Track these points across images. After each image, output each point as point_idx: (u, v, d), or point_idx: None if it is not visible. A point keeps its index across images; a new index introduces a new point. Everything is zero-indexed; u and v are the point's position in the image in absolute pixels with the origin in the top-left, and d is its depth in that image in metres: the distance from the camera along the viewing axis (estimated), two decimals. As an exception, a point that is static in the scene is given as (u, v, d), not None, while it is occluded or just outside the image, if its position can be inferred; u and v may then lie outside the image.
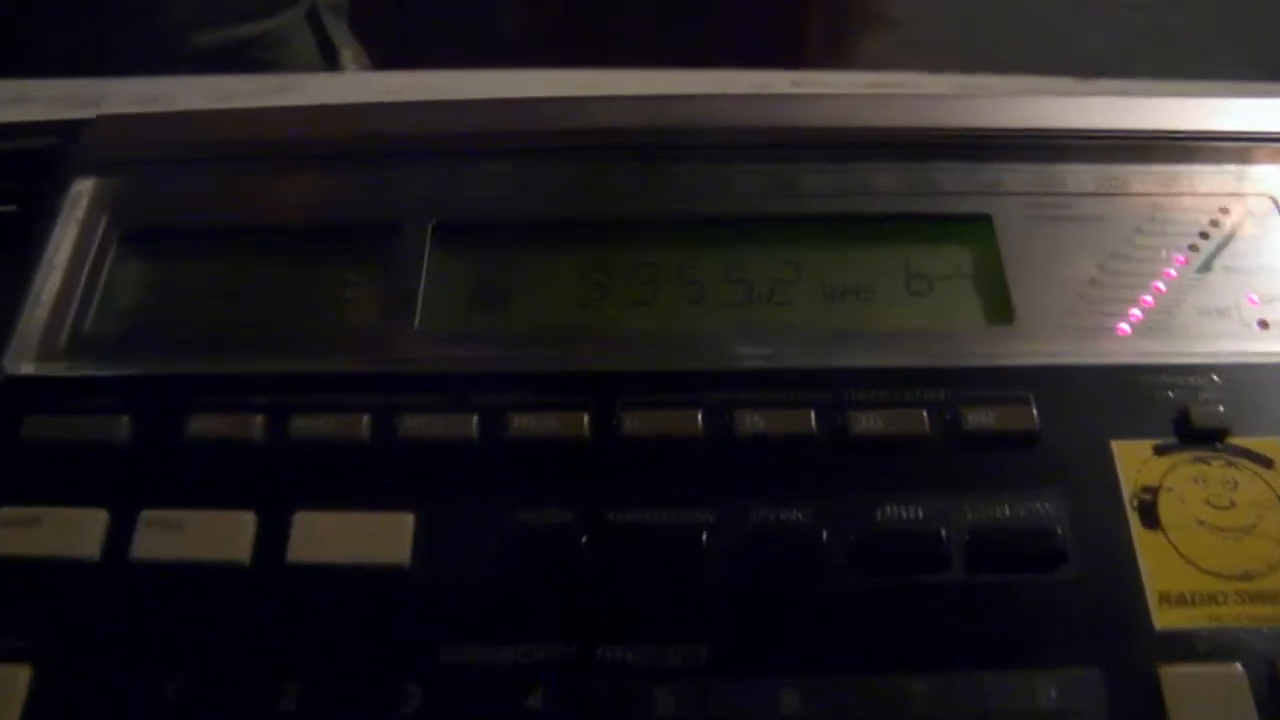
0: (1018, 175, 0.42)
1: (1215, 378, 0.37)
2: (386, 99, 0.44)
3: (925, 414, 0.36)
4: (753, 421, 0.36)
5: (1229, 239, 0.41)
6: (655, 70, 0.57)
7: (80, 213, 0.44)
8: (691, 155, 0.43)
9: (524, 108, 0.44)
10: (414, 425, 0.37)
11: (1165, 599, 0.33)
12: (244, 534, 0.35)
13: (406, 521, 0.35)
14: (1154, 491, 0.35)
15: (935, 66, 0.63)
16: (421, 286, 0.41)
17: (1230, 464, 0.36)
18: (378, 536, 0.35)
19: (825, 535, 0.34)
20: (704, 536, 0.34)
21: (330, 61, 0.98)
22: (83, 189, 0.44)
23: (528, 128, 0.43)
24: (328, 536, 0.35)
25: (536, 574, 0.34)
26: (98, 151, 0.45)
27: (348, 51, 0.99)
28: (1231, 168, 0.43)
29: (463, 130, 0.44)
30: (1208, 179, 0.42)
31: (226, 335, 0.41)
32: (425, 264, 0.41)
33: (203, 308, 0.42)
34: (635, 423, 0.37)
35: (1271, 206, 0.42)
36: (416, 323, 0.40)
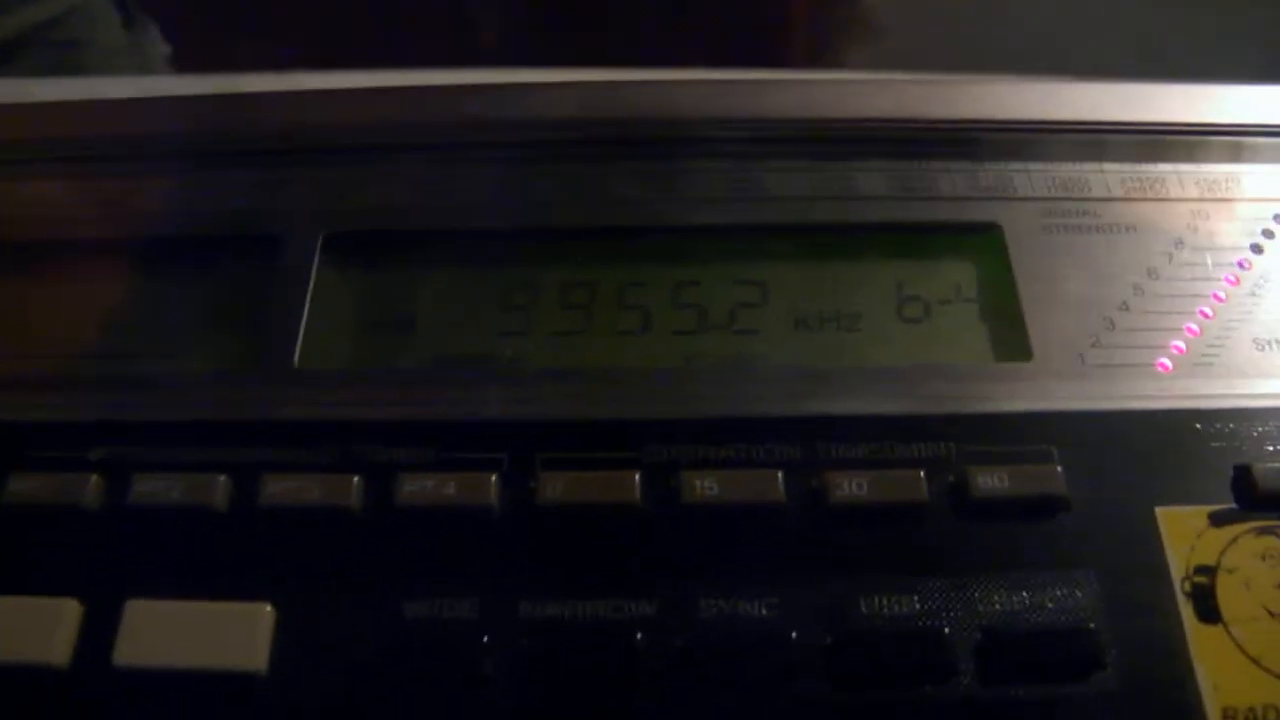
0: (1032, 176, 0.36)
1: None
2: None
3: (922, 475, 0.30)
4: (704, 486, 0.30)
5: None
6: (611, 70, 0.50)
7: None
8: (634, 153, 0.37)
9: (434, 98, 0.37)
10: (279, 490, 0.31)
11: (1230, 716, 0.28)
12: (64, 628, 0.30)
13: (264, 615, 0.29)
14: (1211, 573, 0.29)
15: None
16: (305, 313, 0.35)
17: (1306, 537, 0.30)
18: (228, 634, 0.29)
19: (795, 634, 0.28)
20: (639, 635, 0.28)
21: (136, 42, 0.95)
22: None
23: (438, 121, 0.37)
24: (165, 633, 0.29)
25: (427, 685, 0.28)
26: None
27: (154, 32, 0.96)
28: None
29: (359, 124, 0.37)
30: (1261, 180, 0.37)
31: (64, 372, 0.35)
32: (311, 285, 0.35)
33: (39, 338, 0.35)
34: (556, 488, 0.30)
35: (1338, 212, 0.36)
36: (296, 358, 0.34)
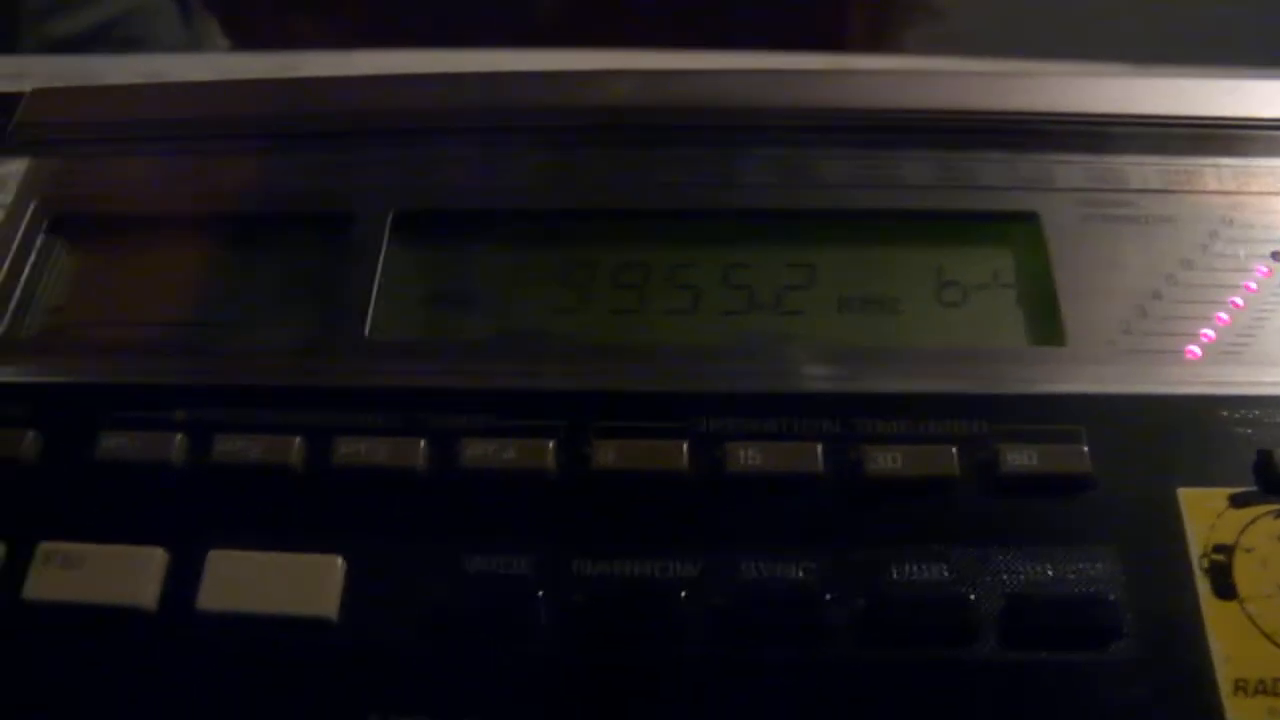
0: (1071, 168, 0.37)
1: None
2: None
3: (955, 451, 0.31)
4: (748, 457, 0.31)
5: None
6: (666, 51, 0.51)
7: (7, 196, 0.40)
8: (689, 139, 0.38)
9: (497, 83, 0.39)
10: (351, 451, 0.32)
11: (1241, 687, 0.28)
12: (152, 574, 0.31)
13: (335, 566, 0.31)
14: (1229, 552, 0.30)
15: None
16: (375, 286, 0.36)
17: (1323, 519, 0.31)
18: (302, 583, 0.31)
19: (829, 596, 0.30)
20: (683, 593, 0.30)
21: (195, 39, 0.95)
22: (10, 170, 0.40)
23: (501, 105, 0.38)
24: (244, 581, 0.31)
25: (484, 634, 0.30)
26: (28, 129, 0.41)
27: (214, 28, 0.96)
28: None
29: (427, 108, 0.38)
30: None
31: (151, 339, 0.36)
32: (381, 260, 0.36)
33: (127, 306, 0.37)
34: (609, 454, 0.32)
35: (1373, 207, 0.36)
36: (367, 329, 0.35)
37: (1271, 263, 0.35)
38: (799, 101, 0.38)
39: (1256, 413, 0.32)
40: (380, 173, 0.38)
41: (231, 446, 0.33)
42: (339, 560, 0.31)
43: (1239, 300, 0.35)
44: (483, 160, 0.38)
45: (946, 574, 0.30)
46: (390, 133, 0.38)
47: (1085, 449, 0.31)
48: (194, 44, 0.95)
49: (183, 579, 0.31)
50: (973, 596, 0.29)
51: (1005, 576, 0.30)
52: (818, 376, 0.33)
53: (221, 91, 0.41)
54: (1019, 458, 0.31)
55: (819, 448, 0.31)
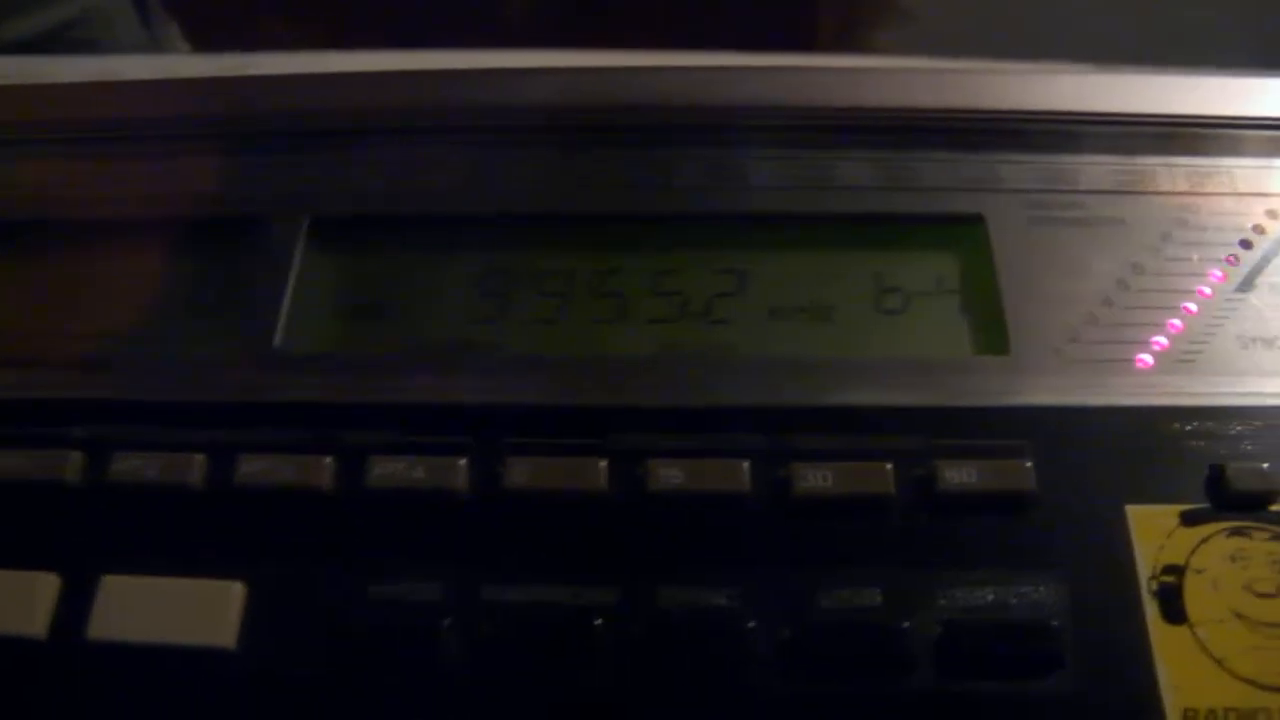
0: (1017, 168, 0.35)
1: (1259, 425, 0.31)
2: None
3: (890, 468, 0.30)
4: (668, 475, 0.30)
5: (1277, 249, 0.34)
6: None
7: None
8: (615, 140, 0.36)
9: (417, 82, 0.37)
10: (254, 470, 0.31)
11: (1190, 717, 0.27)
12: (42, 601, 0.30)
13: (235, 592, 0.29)
14: (1179, 573, 0.29)
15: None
16: (287, 295, 0.34)
17: (1278, 538, 0.29)
18: (200, 610, 0.29)
19: (753, 624, 0.28)
20: (598, 621, 0.28)
21: (155, 43, 0.93)
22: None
23: (421, 106, 0.36)
24: (139, 608, 0.30)
25: (390, 663, 0.28)
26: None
27: (174, 31, 0.94)
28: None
29: (344, 108, 0.36)
30: (1251, 175, 0.36)
31: (46, 351, 0.34)
32: (294, 268, 0.34)
33: (20, 317, 0.35)
34: (522, 473, 0.30)
35: (1330, 210, 0.35)
36: (277, 339, 0.33)
37: (1227, 266, 0.34)
38: (729, 100, 0.36)
39: (1210, 424, 0.31)
40: (295, 177, 0.36)
41: (128, 465, 0.31)
42: (239, 586, 0.29)
43: (1192, 306, 0.33)
44: (403, 164, 0.36)
45: (879, 600, 0.28)
46: (306, 135, 0.37)
47: (1028, 465, 0.30)
48: (153, 47, 0.94)
49: (75, 606, 0.29)
50: (907, 624, 0.28)
51: (942, 602, 0.28)
52: (746, 389, 0.32)
53: (124, 92, 0.39)
54: (958, 475, 0.30)
55: (745, 465, 0.30)
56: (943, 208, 0.35)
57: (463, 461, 0.30)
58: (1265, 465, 0.30)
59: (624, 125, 0.36)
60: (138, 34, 0.92)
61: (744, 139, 0.36)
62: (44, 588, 0.30)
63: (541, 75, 0.36)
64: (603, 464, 0.30)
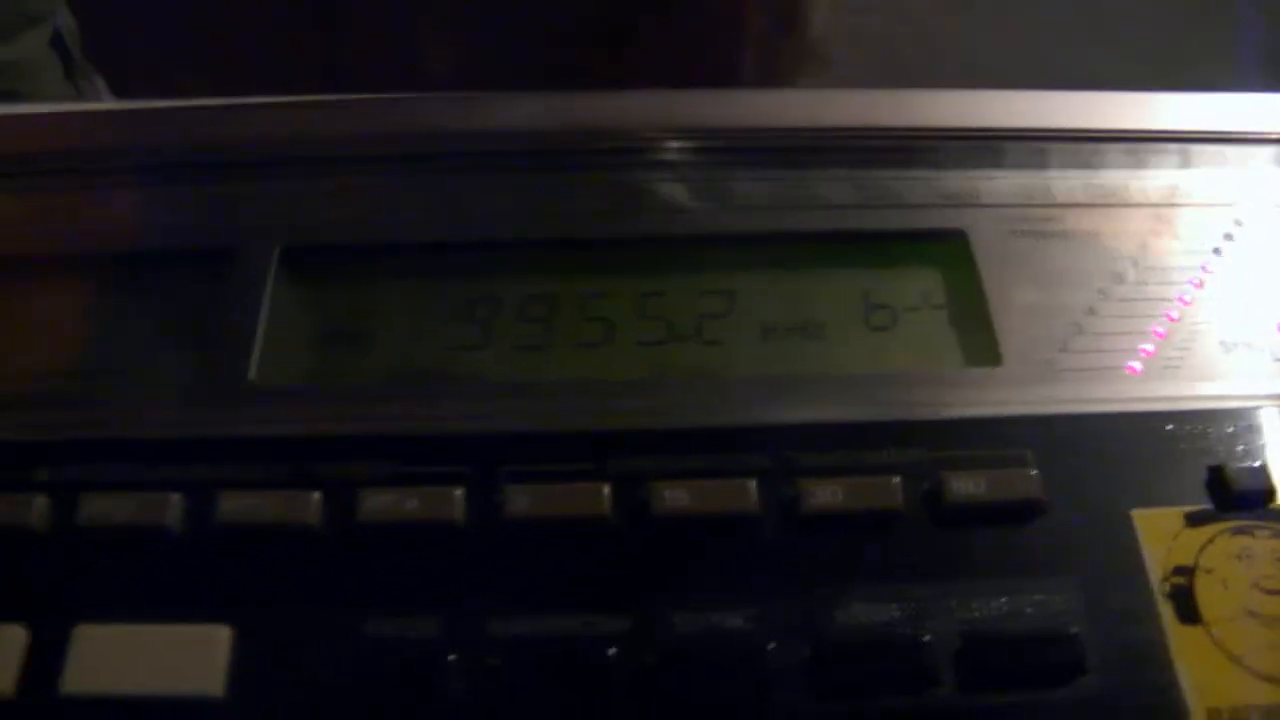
0: (997, 183, 0.36)
1: (1251, 425, 0.31)
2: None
3: (897, 482, 0.29)
4: (674, 497, 0.29)
5: (1248, 255, 0.35)
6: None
7: None
8: (595, 163, 0.35)
9: (390, 109, 0.36)
10: (235, 508, 0.29)
11: (1215, 716, 0.27)
12: (9, 656, 0.28)
13: (221, 637, 0.28)
14: (1189, 574, 0.29)
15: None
16: (260, 328, 0.33)
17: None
18: (183, 658, 0.28)
19: (772, 645, 0.27)
20: (613, 650, 0.27)
21: (80, 95, 0.92)
22: None
23: (394, 133, 0.35)
24: (115, 659, 0.28)
25: (390, 706, 0.27)
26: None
27: (100, 84, 0.92)
28: (1245, 171, 0.37)
29: (315, 137, 0.36)
30: (1218, 185, 0.37)
31: (9, 391, 0.33)
32: (266, 298, 0.33)
33: None
34: (522, 501, 0.29)
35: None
36: (252, 373, 0.32)
37: (1202, 274, 0.35)
38: (709, 122, 0.36)
39: (1203, 426, 0.31)
40: (266, 206, 0.35)
41: (100, 507, 0.29)
42: (225, 630, 0.28)
43: (1174, 313, 0.34)
44: (376, 191, 0.35)
45: (897, 614, 0.28)
46: (276, 164, 0.36)
47: (1035, 473, 0.30)
48: (78, 99, 0.92)
49: (46, 659, 0.27)
50: (926, 638, 0.27)
51: (959, 614, 0.28)
52: (743, 408, 0.31)
53: (93, 122, 0.37)
54: (966, 486, 0.29)
55: (752, 484, 0.29)
56: (925, 224, 0.35)
57: (459, 491, 0.29)
58: (1259, 463, 0.30)
59: (601, 149, 0.36)
60: (62, 86, 0.90)
61: (725, 160, 0.35)
62: (11, 641, 0.28)
63: (518, 100, 0.36)
64: (605, 489, 0.29)
